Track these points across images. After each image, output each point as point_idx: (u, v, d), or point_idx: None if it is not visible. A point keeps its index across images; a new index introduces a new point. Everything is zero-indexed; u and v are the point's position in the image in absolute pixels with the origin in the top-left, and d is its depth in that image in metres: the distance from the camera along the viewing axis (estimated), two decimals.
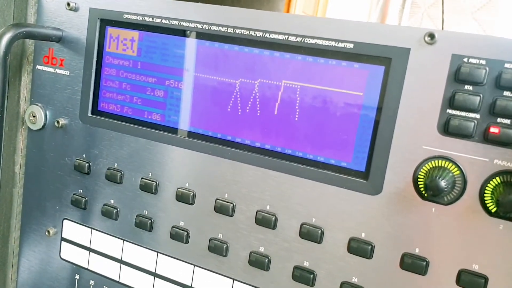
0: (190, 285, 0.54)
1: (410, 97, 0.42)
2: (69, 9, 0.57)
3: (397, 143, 0.43)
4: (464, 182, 0.41)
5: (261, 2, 1.32)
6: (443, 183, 0.39)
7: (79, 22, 0.57)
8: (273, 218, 0.49)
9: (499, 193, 0.39)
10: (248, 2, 1.24)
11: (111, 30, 0.55)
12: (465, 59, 0.40)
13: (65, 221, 0.61)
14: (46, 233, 0.62)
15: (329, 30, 0.45)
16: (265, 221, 0.49)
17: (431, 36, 0.41)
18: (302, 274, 0.48)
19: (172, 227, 0.54)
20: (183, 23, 0.51)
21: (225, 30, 0.49)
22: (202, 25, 0.50)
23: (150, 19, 0.53)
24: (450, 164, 0.41)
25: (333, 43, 0.45)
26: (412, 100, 0.42)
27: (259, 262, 0.50)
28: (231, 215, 0.51)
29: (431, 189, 0.40)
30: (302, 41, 0.46)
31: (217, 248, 0.51)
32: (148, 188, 0.54)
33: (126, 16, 0.54)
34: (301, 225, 0.47)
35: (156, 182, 0.54)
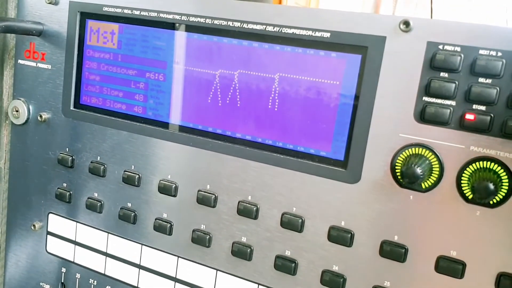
0: (175, 276, 0.54)
1: (386, 85, 0.42)
2: (49, 3, 0.56)
3: (375, 132, 0.43)
4: (441, 169, 0.41)
5: None
6: (419, 170, 0.40)
7: (60, 16, 0.56)
8: (255, 208, 0.49)
9: (475, 179, 0.39)
10: None
11: (91, 23, 0.55)
12: (440, 46, 0.40)
13: (50, 215, 0.61)
14: (32, 227, 0.62)
15: (306, 20, 0.45)
16: (247, 211, 0.49)
17: (406, 23, 0.41)
18: (284, 263, 0.48)
19: (155, 219, 0.54)
20: (161, 15, 0.51)
21: (204, 21, 0.49)
22: (180, 16, 0.50)
23: (129, 11, 0.52)
24: (427, 152, 0.41)
25: (310, 33, 0.45)
26: (389, 88, 0.42)
27: (241, 252, 0.50)
28: (213, 206, 0.51)
29: (407, 176, 0.40)
30: (280, 30, 0.46)
31: (200, 239, 0.52)
32: (131, 180, 0.54)
33: (106, 8, 0.54)
34: (282, 214, 0.48)
35: (138, 175, 0.54)
